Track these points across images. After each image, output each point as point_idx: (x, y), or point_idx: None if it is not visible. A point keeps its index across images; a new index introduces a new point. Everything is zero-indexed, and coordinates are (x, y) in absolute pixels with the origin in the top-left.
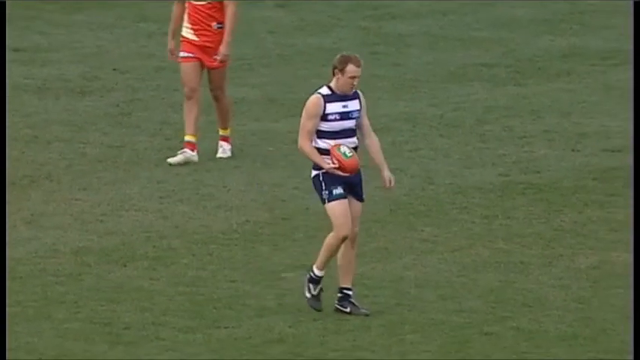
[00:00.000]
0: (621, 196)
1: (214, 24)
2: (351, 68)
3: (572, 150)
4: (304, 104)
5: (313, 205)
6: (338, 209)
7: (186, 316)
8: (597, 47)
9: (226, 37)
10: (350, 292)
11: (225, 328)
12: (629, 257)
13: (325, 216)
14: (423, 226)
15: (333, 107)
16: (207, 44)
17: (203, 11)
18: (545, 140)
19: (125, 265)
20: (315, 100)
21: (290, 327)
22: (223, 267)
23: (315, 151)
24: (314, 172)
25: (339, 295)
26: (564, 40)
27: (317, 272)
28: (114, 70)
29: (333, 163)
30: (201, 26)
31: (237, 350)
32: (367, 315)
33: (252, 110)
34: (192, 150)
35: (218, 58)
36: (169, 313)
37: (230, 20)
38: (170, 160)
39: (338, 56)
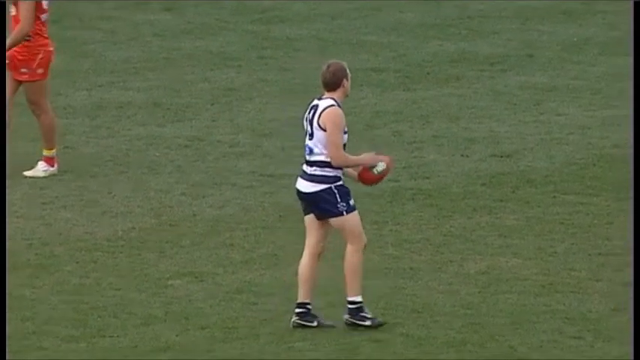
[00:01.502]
0: (510, 201)
1: None
2: (347, 69)
3: (462, 155)
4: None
5: (200, 211)
6: (357, 220)
7: (69, 325)
8: (485, 52)
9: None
10: (310, 307)
11: (110, 337)
12: (517, 262)
13: (212, 222)
14: None
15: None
16: (16, 55)
17: (14, 22)
18: (435, 145)
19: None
20: (341, 112)
21: (177, 335)
22: (108, 275)
23: (353, 157)
24: (322, 186)
25: (302, 310)
26: (453, 45)
27: (358, 299)
28: None
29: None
30: None
31: (122, 359)
32: (333, 327)
33: (138, 115)
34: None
35: (25, 71)
36: (52, 322)
37: (18, 26)
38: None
39: (333, 68)
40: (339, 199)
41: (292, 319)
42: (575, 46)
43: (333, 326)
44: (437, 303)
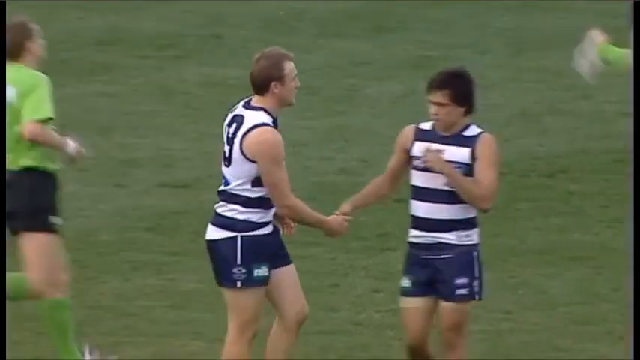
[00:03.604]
0: (189, 254)
1: None
2: (290, 66)
3: (115, 185)
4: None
5: None
6: (254, 300)
7: None
8: (149, 31)
9: None
10: None
11: None
12: (199, 346)
13: None
14: None
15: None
16: None
17: None
18: (75, 171)
19: None
20: (274, 137)
21: None
22: None
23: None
24: (225, 234)
25: None
26: (100, 19)
27: None
28: None
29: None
30: None
31: None
32: None
33: None
34: None
35: None
36: None
37: None
38: None
39: (263, 62)
40: (238, 261)
41: None
42: (282, 23)
43: None
44: None
